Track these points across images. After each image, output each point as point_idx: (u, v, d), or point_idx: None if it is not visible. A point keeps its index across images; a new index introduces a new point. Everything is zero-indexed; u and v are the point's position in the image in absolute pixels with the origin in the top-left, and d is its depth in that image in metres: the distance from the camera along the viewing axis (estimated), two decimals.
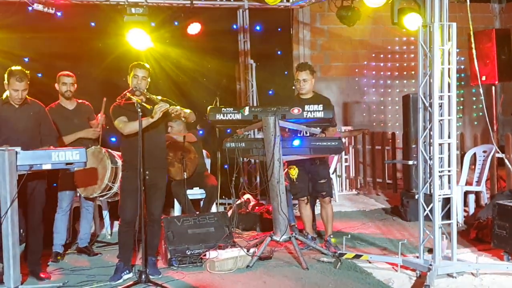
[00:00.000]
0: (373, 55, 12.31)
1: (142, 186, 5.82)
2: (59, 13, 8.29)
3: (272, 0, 7.71)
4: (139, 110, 5.69)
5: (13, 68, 6.16)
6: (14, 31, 8.75)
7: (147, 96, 6.06)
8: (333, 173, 9.44)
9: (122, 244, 6.21)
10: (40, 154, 5.59)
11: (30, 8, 7.99)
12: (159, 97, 6.20)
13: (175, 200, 8.12)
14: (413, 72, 12.46)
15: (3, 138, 6.04)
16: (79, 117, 7.18)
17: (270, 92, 10.54)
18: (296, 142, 6.50)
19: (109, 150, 6.81)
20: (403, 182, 9.41)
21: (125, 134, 6.08)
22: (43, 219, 6.30)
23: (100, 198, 7.04)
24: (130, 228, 6.14)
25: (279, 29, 10.77)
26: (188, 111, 6.17)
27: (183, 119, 6.19)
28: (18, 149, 5.54)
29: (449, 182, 5.91)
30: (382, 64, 12.43)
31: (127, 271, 6.13)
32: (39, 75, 8.49)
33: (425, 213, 5.91)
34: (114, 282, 5.97)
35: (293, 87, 10.92)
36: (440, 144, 5.82)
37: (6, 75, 6.12)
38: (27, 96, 6.22)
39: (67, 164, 5.69)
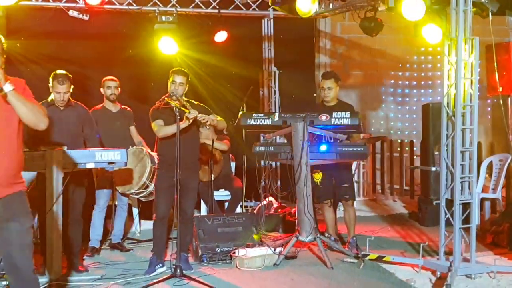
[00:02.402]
0: (392, 64, 12.51)
1: (176, 185, 6.13)
2: (92, 20, 8.63)
3: (304, 13, 7.95)
4: (177, 114, 6.01)
5: (58, 71, 6.46)
6: (50, 36, 9.14)
7: (183, 103, 6.36)
8: None
9: (156, 238, 6.55)
10: (85, 154, 5.96)
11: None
12: (195, 103, 6.54)
13: (202, 200, 8.43)
14: (430, 82, 12.70)
15: (48, 139, 6.38)
16: (121, 121, 7.56)
17: (292, 99, 10.82)
18: (323, 147, 6.78)
19: (149, 151, 7.16)
20: (421, 188, 9.65)
21: (159, 137, 6.43)
22: (82, 215, 6.64)
23: (136, 196, 7.37)
24: (163, 223, 6.46)
25: (302, 38, 11.07)
26: (218, 119, 6.48)
27: (207, 127, 6.47)
28: (64, 148, 5.92)
29: (469, 188, 6.22)
30: (400, 74, 12.62)
31: (161, 265, 6.44)
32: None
33: (445, 218, 6.22)
34: (149, 275, 6.28)
35: (315, 94, 11.31)
36: (462, 152, 6.13)
37: (50, 78, 6.44)
38: (70, 98, 6.54)
39: (109, 163, 6.07)
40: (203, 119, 6.22)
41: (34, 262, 6.45)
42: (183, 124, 6.09)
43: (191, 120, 6.13)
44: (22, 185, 4.11)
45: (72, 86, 6.46)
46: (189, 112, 6.16)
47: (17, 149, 4.03)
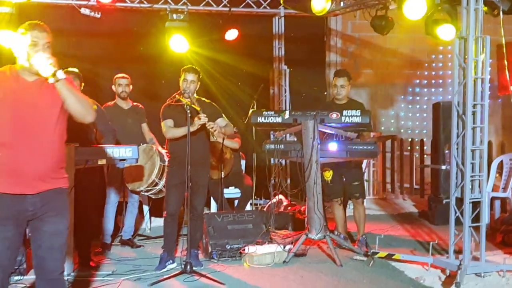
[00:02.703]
0: (403, 63, 12.51)
1: (187, 182, 6.17)
2: (104, 18, 8.68)
3: (318, 11, 7.95)
4: (188, 111, 6.05)
5: (68, 69, 6.51)
6: (61, 34, 9.14)
7: (194, 101, 6.39)
8: None
9: (166, 234, 6.59)
10: (96, 150, 6.01)
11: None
12: (206, 101, 6.57)
13: (212, 198, 8.47)
14: (441, 81, 12.67)
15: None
16: (133, 118, 7.62)
17: (302, 97, 10.84)
18: (334, 145, 6.81)
19: (159, 149, 7.20)
20: (431, 187, 9.65)
21: (167, 138, 6.51)
22: (92, 212, 6.69)
23: (145, 193, 7.42)
24: (174, 220, 6.50)
25: (312, 36, 11.08)
26: (225, 124, 6.56)
27: (214, 137, 6.48)
28: (76, 145, 5.96)
29: (479, 187, 6.22)
30: (411, 72, 12.61)
31: (171, 261, 6.49)
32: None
33: (455, 216, 6.23)
34: (159, 271, 6.33)
35: (325, 93, 11.31)
36: (472, 150, 6.13)
37: None
38: None
39: (120, 160, 6.12)
40: (212, 127, 6.24)
41: None
42: (191, 128, 6.14)
43: (199, 126, 6.18)
44: (63, 181, 4.02)
45: (83, 84, 6.51)
46: (200, 113, 6.19)
47: (58, 142, 3.94)
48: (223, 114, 6.67)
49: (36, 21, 3.93)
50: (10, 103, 3.78)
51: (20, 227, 3.89)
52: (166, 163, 6.94)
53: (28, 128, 3.79)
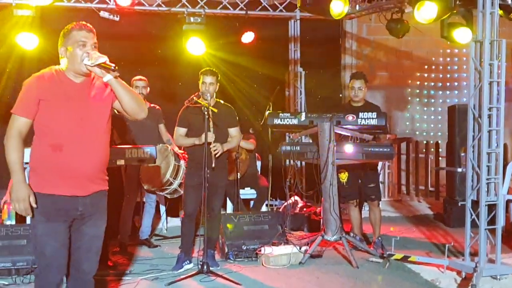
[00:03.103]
0: (417, 66, 12.49)
1: (204, 183, 6.19)
2: (122, 21, 8.74)
3: (337, 14, 7.97)
4: (205, 113, 6.08)
5: None
6: None
7: (212, 103, 6.44)
8: None
9: (184, 235, 6.62)
10: (116, 151, 6.04)
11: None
12: (224, 103, 6.61)
13: (228, 199, 8.49)
14: (456, 84, 12.63)
15: None
16: (150, 119, 7.61)
17: (318, 99, 10.84)
18: (350, 147, 6.80)
19: (175, 149, 7.24)
20: (446, 189, 9.61)
21: (176, 145, 6.68)
22: (110, 212, 6.72)
23: (161, 193, 7.44)
24: (191, 220, 6.52)
25: (328, 39, 11.09)
26: (234, 134, 6.61)
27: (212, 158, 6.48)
28: None
29: (494, 190, 6.20)
30: (426, 75, 12.57)
31: (188, 261, 6.51)
32: None
33: (471, 219, 6.21)
34: (176, 271, 6.36)
35: (340, 95, 11.31)
36: (488, 153, 6.11)
37: None
38: None
39: (138, 160, 6.16)
40: (215, 150, 6.28)
41: None
42: (198, 143, 6.29)
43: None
44: (106, 182, 4.05)
45: None
46: (213, 146, 6.28)
47: (106, 143, 3.98)
48: (237, 124, 6.69)
49: (82, 22, 3.95)
50: (61, 106, 3.78)
51: (68, 223, 3.88)
52: (181, 163, 6.98)
53: (79, 130, 3.79)
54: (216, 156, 6.29)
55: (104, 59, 3.74)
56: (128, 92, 3.90)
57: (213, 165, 6.23)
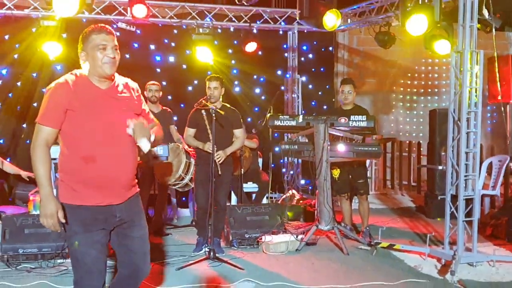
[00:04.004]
0: (402, 73, 12.42)
1: (211, 178, 6.14)
2: (138, 31, 8.68)
3: (330, 27, 7.93)
4: (213, 114, 6.02)
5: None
6: None
7: (219, 106, 6.38)
8: None
9: (199, 225, 6.65)
10: None
11: (114, 26, 8.37)
12: (228, 106, 6.54)
13: (232, 192, 8.43)
14: (436, 90, 12.57)
15: None
16: (162, 120, 7.48)
17: (313, 103, 10.79)
18: (342, 147, 6.75)
19: (185, 147, 7.17)
20: (427, 184, 9.54)
21: (186, 143, 6.79)
22: None
23: (173, 187, 7.38)
24: (204, 212, 6.40)
25: (322, 49, 11.04)
26: (239, 135, 6.59)
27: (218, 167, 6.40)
28: None
29: (471, 185, 6.14)
30: (409, 82, 12.51)
31: (206, 245, 6.46)
32: None
33: (450, 211, 6.15)
34: (197, 253, 6.40)
35: (333, 99, 11.24)
36: (466, 153, 6.05)
37: None
38: None
39: (153, 157, 6.10)
40: (218, 159, 6.27)
41: None
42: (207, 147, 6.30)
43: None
44: (137, 185, 3.60)
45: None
46: (217, 157, 6.26)
47: (134, 148, 3.45)
48: (242, 125, 6.67)
49: (101, 24, 3.47)
50: (89, 114, 3.31)
51: (107, 231, 3.43)
52: (191, 160, 6.93)
53: (110, 138, 3.34)
54: (220, 162, 6.27)
55: (147, 146, 3.33)
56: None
57: (219, 172, 6.24)
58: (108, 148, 3.32)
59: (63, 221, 3.27)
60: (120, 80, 3.52)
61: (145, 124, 3.37)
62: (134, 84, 3.62)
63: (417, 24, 6.69)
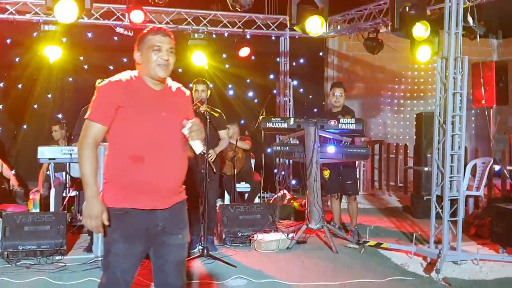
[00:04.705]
0: (390, 78, 12.44)
1: (205, 178, 6.10)
2: (135, 36, 8.63)
3: (314, 33, 7.93)
4: (207, 117, 6.00)
5: (99, 80, 6.52)
6: (99, 49, 9.17)
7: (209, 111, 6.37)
8: None
9: (192, 223, 6.53)
10: None
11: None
12: (217, 111, 6.53)
13: (225, 192, 8.39)
14: (422, 94, 12.61)
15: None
16: None
17: (304, 106, 10.79)
18: (332, 148, 6.72)
19: None
20: (413, 185, 9.53)
21: None
22: None
23: None
24: (196, 211, 6.39)
25: (313, 55, 11.06)
26: (224, 136, 6.61)
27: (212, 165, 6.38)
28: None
29: (456, 186, 6.13)
30: (396, 86, 12.55)
31: (200, 243, 6.37)
32: None
33: (436, 211, 6.14)
34: (192, 251, 6.27)
35: (323, 103, 11.25)
36: (451, 155, 6.04)
37: (96, 87, 6.46)
38: None
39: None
40: (210, 157, 6.26)
41: (82, 241, 6.59)
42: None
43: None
44: (184, 192, 3.30)
45: None
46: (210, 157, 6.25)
47: (185, 154, 3.22)
48: (226, 127, 6.75)
49: (159, 25, 3.28)
50: (140, 113, 3.07)
51: (149, 243, 3.16)
52: None
53: (160, 139, 3.10)
54: (212, 160, 6.25)
55: (200, 146, 3.13)
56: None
57: (214, 170, 6.21)
58: (157, 149, 3.08)
59: (107, 223, 3.01)
60: (173, 84, 3.30)
61: (201, 125, 3.18)
62: (186, 90, 3.39)
63: (420, 30, 6.78)
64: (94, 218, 2.98)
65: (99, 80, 7.36)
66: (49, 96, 9.06)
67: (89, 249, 6.18)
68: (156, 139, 3.09)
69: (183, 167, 3.22)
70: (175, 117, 3.16)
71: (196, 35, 8.93)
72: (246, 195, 8.66)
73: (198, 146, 3.14)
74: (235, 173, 8.05)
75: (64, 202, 7.07)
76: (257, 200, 8.55)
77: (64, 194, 7.37)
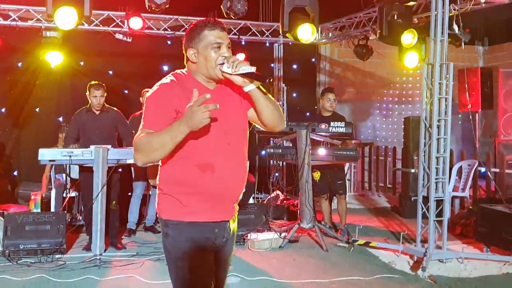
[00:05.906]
0: (379, 84, 12.46)
1: None
2: (134, 41, 8.63)
3: (305, 40, 7.95)
4: None
5: (92, 82, 6.54)
6: (99, 54, 9.15)
7: None
8: None
9: None
10: (126, 151, 5.92)
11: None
12: None
13: None
14: (410, 99, 12.63)
15: (83, 139, 6.40)
16: None
17: (297, 110, 10.79)
18: (322, 151, 6.74)
19: None
20: (401, 186, 9.52)
21: None
22: (119, 202, 6.60)
23: None
24: None
25: (306, 60, 11.06)
26: None
27: None
28: (109, 146, 5.88)
29: (442, 188, 6.14)
30: (385, 91, 12.56)
31: None
32: (126, 91, 9.12)
33: (422, 211, 6.15)
34: None
35: (315, 107, 11.23)
36: (437, 157, 6.05)
37: (87, 88, 6.48)
38: (105, 104, 6.54)
39: None
40: None
41: (81, 241, 6.58)
42: None
43: None
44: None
45: (105, 93, 6.50)
46: None
47: (246, 158, 2.82)
48: None
49: (214, 18, 2.74)
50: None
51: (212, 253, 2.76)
52: None
53: (227, 145, 2.67)
54: None
55: (248, 67, 2.58)
56: (270, 103, 2.71)
57: None
58: (225, 157, 2.66)
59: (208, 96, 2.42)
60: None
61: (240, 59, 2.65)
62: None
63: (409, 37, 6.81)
64: (198, 118, 2.38)
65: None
66: (51, 99, 9.04)
67: (88, 248, 6.19)
68: (222, 143, 2.65)
69: (245, 174, 2.80)
70: (236, 118, 2.74)
71: None
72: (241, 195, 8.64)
73: (247, 68, 2.59)
74: None
75: (64, 203, 7.07)
76: (251, 200, 8.54)
77: (64, 195, 7.37)
